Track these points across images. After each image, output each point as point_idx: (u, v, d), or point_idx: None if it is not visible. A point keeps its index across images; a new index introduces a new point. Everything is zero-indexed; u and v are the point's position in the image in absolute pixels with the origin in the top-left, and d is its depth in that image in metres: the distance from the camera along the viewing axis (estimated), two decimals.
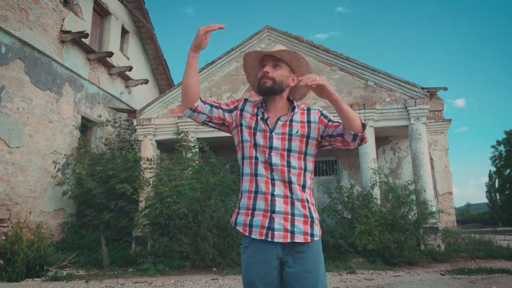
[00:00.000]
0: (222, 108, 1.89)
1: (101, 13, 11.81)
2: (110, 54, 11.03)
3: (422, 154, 8.63)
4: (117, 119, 11.31)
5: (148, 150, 9.72)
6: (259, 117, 1.85)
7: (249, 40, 9.94)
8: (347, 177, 10.47)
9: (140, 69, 13.59)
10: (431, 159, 11.79)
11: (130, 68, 11.95)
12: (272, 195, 1.72)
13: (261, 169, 1.76)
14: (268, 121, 1.83)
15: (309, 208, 1.76)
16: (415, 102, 8.79)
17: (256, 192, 1.75)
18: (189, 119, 9.59)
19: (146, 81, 12.79)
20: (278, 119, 1.83)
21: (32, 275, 6.55)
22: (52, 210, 9.24)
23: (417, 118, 8.76)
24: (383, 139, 10.52)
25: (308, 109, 1.90)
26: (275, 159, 1.74)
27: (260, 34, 9.93)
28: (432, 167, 11.65)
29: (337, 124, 1.82)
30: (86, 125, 10.78)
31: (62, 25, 9.74)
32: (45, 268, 6.85)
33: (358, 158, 9.13)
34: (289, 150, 1.76)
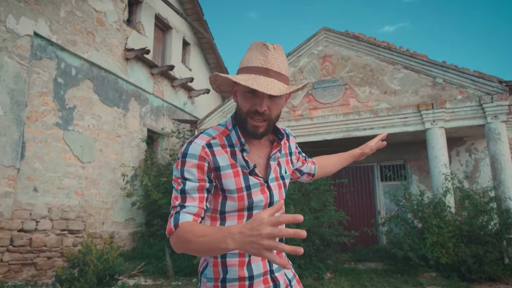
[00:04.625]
0: (205, 191, 1.24)
1: (162, 28, 12.27)
2: (172, 67, 11.40)
3: (502, 156, 7.73)
4: (180, 129, 11.67)
5: None
6: (240, 167, 1.28)
7: (306, 43, 9.67)
8: (416, 183, 9.75)
9: (202, 79, 13.92)
10: None
11: (192, 79, 12.27)
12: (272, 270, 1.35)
13: None
14: (256, 171, 1.30)
15: None
16: (491, 98, 7.91)
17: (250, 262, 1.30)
18: None
19: (207, 91, 13.05)
20: (270, 157, 1.36)
21: (104, 284, 6.91)
22: (123, 220, 9.74)
23: (495, 116, 7.88)
24: (457, 139, 9.64)
25: (287, 135, 1.48)
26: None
27: (317, 36, 9.62)
28: None
29: (303, 159, 1.60)
30: (152, 137, 11.23)
31: (126, 43, 10.25)
32: (115, 277, 7.21)
33: (428, 161, 8.44)
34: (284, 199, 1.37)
